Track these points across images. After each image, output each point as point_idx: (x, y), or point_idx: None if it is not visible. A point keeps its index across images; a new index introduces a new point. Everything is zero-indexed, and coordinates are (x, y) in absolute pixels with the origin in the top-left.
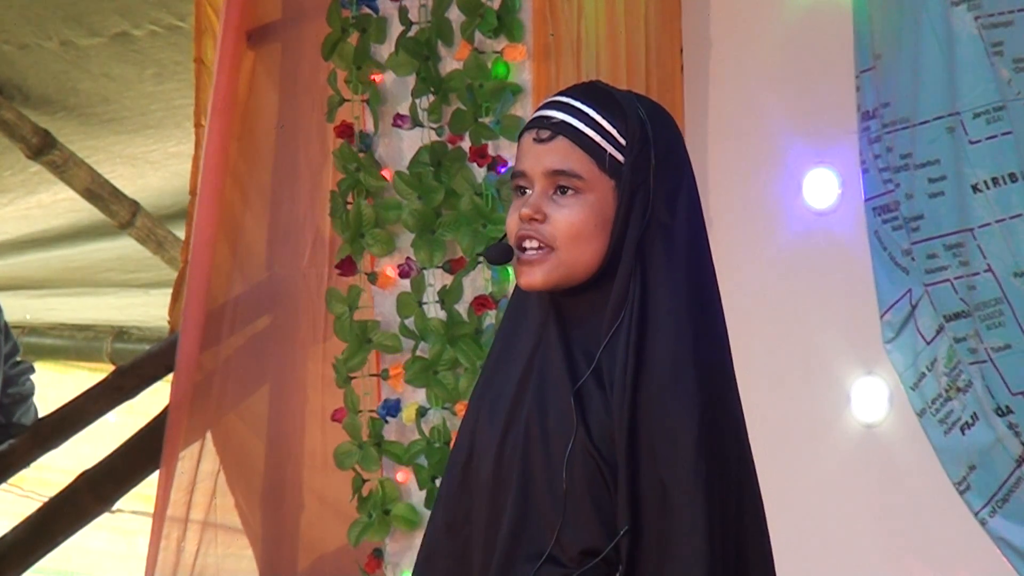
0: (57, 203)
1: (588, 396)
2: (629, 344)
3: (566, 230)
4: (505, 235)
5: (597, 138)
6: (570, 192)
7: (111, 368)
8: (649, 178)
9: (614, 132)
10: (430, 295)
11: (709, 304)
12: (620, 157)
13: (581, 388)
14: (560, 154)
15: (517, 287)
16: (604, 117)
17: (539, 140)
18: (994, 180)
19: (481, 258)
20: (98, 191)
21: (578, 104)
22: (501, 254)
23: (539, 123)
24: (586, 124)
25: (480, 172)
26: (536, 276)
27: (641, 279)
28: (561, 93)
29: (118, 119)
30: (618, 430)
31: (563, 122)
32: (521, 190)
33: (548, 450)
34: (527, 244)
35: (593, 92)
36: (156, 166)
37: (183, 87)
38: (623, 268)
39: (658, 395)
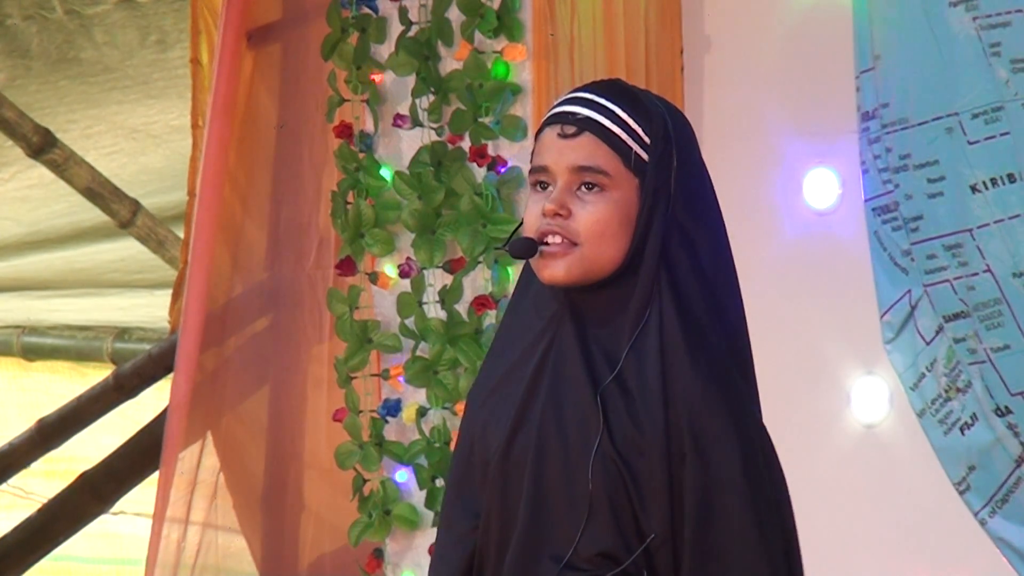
0: (57, 184)
1: (610, 397)
2: (667, 347)
3: (591, 227)
4: (518, 228)
5: (623, 136)
6: (595, 189)
7: (111, 368)
8: (671, 178)
9: (639, 130)
10: (430, 295)
11: (733, 308)
12: (645, 156)
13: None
14: (586, 150)
15: (520, 284)
16: (629, 115)
17: (564, 136)
18: (992, 181)
19: (483, 257)
20: (98, 190)
21: (603, 101)
22: (525, 249)
23: (564, 118)
24: (612, 121)
25: (480, 172)
26: (559, 269)
27: (668, 279)
28: (583, 89)
29: (120, 88)
30: (653, 434)
31: (589, 118)
32: (542, 185)
33: (566, 450)
34: (550, 239)
35: (617, 89)
36: (158, 140)
37: (186, 55)
38: (647, 267)
39: (698, 400)
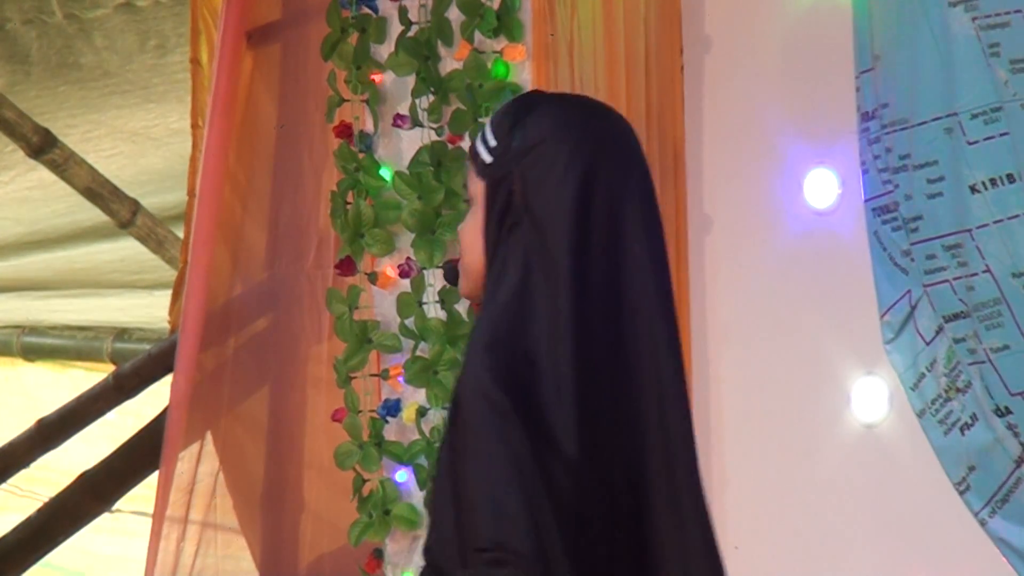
0: (57, 186)
1: None
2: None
3: (460, 242)
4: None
5: (474, 143)
6: (468, 206)
7: (111, 368)
8: (512, 172)
9: (488, 135)
10: (430, 295)
11: (530, 294)
12: (488, 158)
13: None
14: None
15: None
16: (489, 122)
17: None
18: (992, 181)
19: None
20: (98, 190)
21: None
22: (449, 274)
23: None
24: (474, 134)
25: None
26: (459, 287)
27: (498, 268)
28: None
29: (120, 92)
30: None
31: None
32: None
33: None
34: None
35: (511, 101)
36: (158, 143)
37: (185, 60)
38: (489, 268)
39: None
